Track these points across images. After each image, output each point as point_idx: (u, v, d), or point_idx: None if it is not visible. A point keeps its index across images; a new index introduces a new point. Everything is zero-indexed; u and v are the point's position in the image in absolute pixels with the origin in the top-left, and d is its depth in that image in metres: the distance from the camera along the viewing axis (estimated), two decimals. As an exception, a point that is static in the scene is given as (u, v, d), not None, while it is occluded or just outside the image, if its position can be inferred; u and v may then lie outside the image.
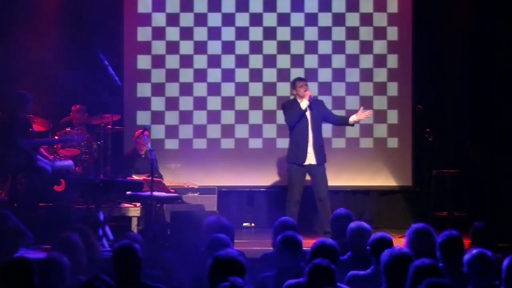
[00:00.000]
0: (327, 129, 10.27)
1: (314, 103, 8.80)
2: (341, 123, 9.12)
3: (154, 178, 8.44)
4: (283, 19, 10.43)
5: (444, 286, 3.90)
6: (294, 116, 8.73)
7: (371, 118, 10.26)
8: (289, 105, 8.84)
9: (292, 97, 9.02)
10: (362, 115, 8.83)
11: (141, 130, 9.10)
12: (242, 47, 10.42)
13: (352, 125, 8.99)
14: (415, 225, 5.42)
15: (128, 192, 8.72)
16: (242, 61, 10.42)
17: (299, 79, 8.95)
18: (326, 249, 4.90)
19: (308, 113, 8.74)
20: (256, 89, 10.41)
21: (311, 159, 8.67)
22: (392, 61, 10.44)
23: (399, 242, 6.51)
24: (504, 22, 10.01)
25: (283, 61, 10.41)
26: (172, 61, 10.41)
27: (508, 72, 10.01)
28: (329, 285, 4.22)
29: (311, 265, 4.31)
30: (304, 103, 8.67)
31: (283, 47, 10.43)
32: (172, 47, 10.41)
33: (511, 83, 10.00)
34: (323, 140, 8.87)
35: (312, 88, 10.18)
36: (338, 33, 10.44)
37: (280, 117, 10.22)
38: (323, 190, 8.65)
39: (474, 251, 4.70)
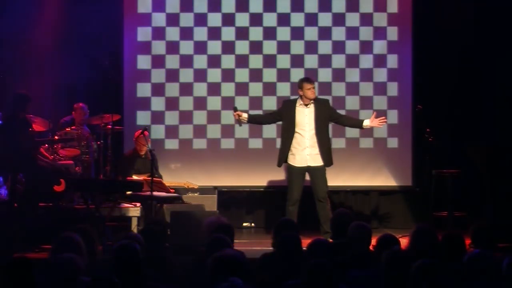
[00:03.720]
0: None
1: (318, 104, 8.70)
2: (353, 126, 9.10)
3: (154, 178, 8.45)
4: (283, 19, 10.44)
5: (445, 286, 3.90)
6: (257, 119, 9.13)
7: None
8: (281, 109, 8.86)
9: (295, 97, 8.95)
10: (375, 122, 8.74)
11: (140, 130, 9.12)
12: (242, 47, 10.43)
13: (363, 128, 8.94)
14: (417, 224, 5.42)
15: (128, 192, 8.73)
16: (242, 61, 10.42)
17: (305, 80, 8.74)
18: (321, 248, 4.91)
19: (308, 115, 8.65)
20: (256, 89, 10.41)
21: (309, 161, 8.63)
22: (392, 61, 10.44)
23: (401, 242, 6.51)
24: (503, 21, 10.02)
25: (283, 61, 10.42)
26: (172, 61, 10.41)
27: (508, 72, 10.02)
28: (328, 285, 4.22)
29: (309, 265, 4.30)
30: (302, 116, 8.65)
31: (283, 47, 10.43)
32: (172, 47, 10.41)
33: (511, 83, 10.02)
34: (328, 143, 8.73)
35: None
36: (338, 33, 10.44)
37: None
38: (321, 190, 8.61)
39: (474, 251, 4.70)
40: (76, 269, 4.34)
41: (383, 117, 8.90)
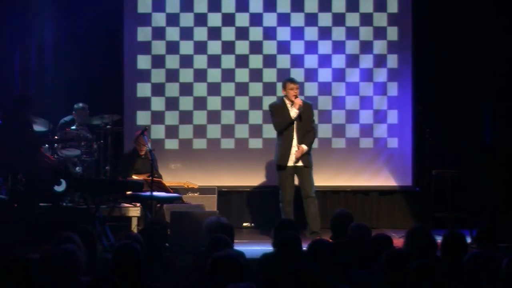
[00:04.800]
0: (327, 129, 10.30)
1: (304, 105, 8.68)
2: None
3: (154, 178, 8.44)
4: (283, 19, 10.43)
5: (445, 286, 3.90)
6: (283, 124, 8.67)
7: (371, 118, 10.29)
8: (277, 109, 8.75)
9: (279, 98, 8.93)
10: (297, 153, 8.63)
11: (140, 131, 9.11)
12: (242, 47, 10.42)
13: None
14: (413, 225, 5.43)
15: (128, 192, 8.72)
16: (242, 61, 10.42)
17: (289, 80, 8.83)
18: (321, 248, 4.90)
19: (294, 115, 8.66)
20: (256, 89, 10.41)
21: (295, 161, 8.65)
22: (392, 60, 10.44)
23: (399, 242, 6.52)
24: (503, 20, 10.02)
25: (283, 61, 10.41)
26: (172, 61, 10.41)
27: (508, 71, 10.02)
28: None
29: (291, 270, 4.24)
30: (293, 113, 8.59)
31: (283, 47, 10.43)
32: (172, 47, 10.41)
33: (511, 83, 10.02)
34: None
35: (312, 88, 10.21)
36: (338, 33, 10.44)
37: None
38: (307, 188, 8.63)
39: (474, 251, 4.71)
40: (76, 260, 4.33)
41: (300, 149, 8.66)
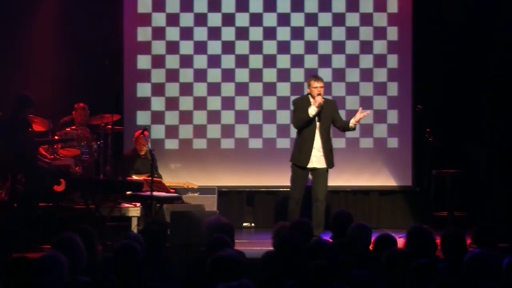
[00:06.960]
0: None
1: (326, 104, 8.49)
2: (345, 129, 8.75)
3: (154, 178, 8.44)
4: (283, 19, 10.44)
5: (445, 286, 3.90)
6: (301, 121, 8.48)
7: (371, 118, 10.28)
8: (299, 106, 8.54)
9: (303, 95, 8.82)
10: (360, 115, 8.47)
11: (140, 131, 9.11)
12: (242, 47, 10.43)
13: (354, 128, 8.64)
14: (413, 225, 5.44)
15: (128, 192, 8.72)
16: (242, 61, 10.42)
17: (313, 77, 8.61)
18: (321, 248, 4.90)
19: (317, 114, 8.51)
20: (256, 89, 10.41)
21: (315, 163, 8.53)
22: (392, 61, 10.44)
23: (399, 242, 6.52)
24: (503, 20, 10.02)
25: (283, 61, 10.41)
26: (172, 61, 10.41)
27: (508, 71, 10.02)
28: (328, 285, 4.20)
29: (310, 265, 4.27)
30: (312, 110, 8.39)
31: (283, 47, 10.43)
32: (172, 47, 10.42)
33: (511, 82, 10.02)
34: (331, 144, 8.64)
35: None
36: (338, 33, 10.44)
37: (280, 117, 10.26)
38: (320, 191, 8.53)
39: (474, 251, 4.70)
40: (61, 266, 4.31)
41: (367, 110, 8.68)
